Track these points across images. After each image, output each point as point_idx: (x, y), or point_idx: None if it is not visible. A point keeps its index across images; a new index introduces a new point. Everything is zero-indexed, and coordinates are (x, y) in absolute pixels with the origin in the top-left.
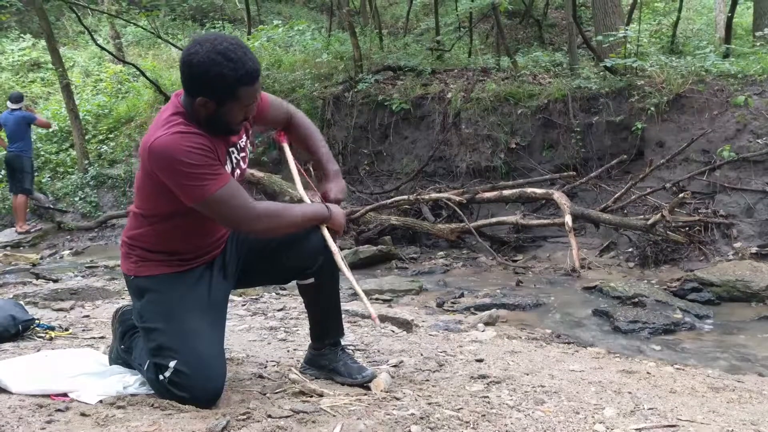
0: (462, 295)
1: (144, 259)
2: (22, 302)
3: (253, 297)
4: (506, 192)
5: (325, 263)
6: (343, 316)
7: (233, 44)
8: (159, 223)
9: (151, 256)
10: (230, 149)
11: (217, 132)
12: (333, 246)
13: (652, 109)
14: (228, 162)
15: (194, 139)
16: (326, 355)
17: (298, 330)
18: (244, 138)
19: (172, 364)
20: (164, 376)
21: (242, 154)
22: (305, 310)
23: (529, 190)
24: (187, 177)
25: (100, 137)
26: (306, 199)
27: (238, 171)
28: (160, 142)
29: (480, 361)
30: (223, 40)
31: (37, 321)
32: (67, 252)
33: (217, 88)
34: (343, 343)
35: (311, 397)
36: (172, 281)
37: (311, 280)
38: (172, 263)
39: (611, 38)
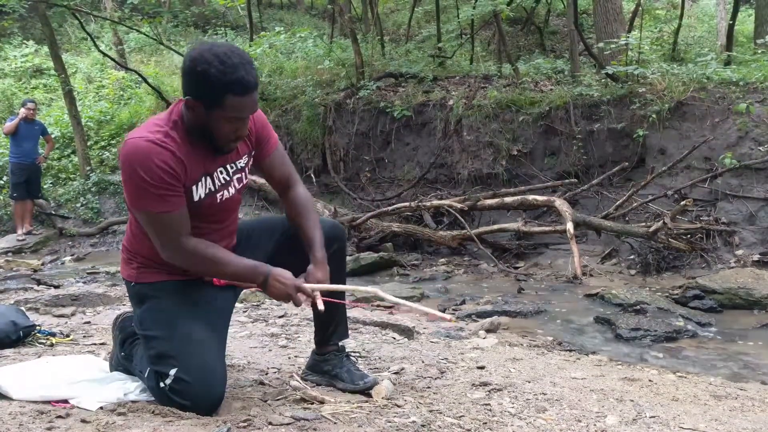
0: (463, 302)
1: (145, 266)
2: (23, 308)
3: (255, 303)
4: (508, 199)
5: (332, 266)
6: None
7: (233, 52)
8: None
9: (153, 263)
10: (222, 168)
11: (207, 143)
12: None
13: (654, 116)
14: (207, 183)
15: (162, 156)
16: (330, 361)
17: (299, 337)
18: (245, 158)
19: (172, 371)
20: (165, 384)
21: (238, 175)
22: (309, 316)
23: (531, 197)
24: (136, 187)
25: (102, 143)
26: None
27: (226, 192)
28: (131, 144)
29: (481, 368)
30: (226, 47)
31: (38, 327)
32: (68, 258)
33: (204, 89)
34: (346, 350)
35: (312, 404)
36: (173, 289)
37: None
38: (174, 272)
39: (613, 45)
